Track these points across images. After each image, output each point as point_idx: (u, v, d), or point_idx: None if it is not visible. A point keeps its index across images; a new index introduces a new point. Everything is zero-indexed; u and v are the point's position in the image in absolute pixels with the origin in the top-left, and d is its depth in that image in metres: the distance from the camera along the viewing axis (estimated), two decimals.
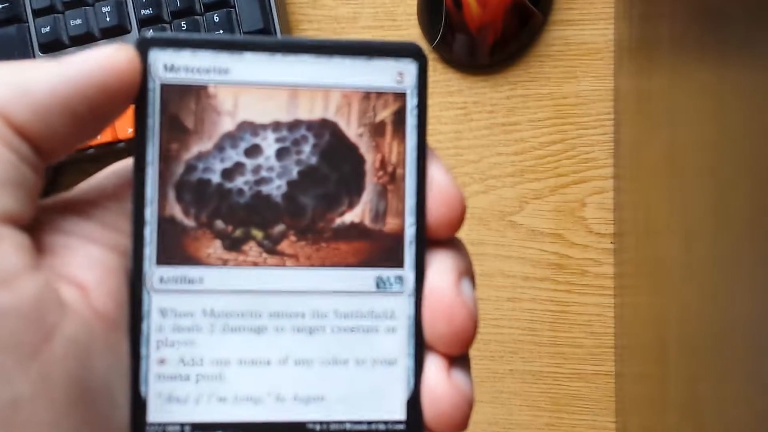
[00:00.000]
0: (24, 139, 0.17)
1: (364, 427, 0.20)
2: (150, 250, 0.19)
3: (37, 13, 0.44)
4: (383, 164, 0.20)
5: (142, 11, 0.43)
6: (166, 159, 0.19)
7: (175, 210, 0.19)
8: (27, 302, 0.16)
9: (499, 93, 0.45)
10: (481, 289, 0.45)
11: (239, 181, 0.20)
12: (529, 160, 0.45)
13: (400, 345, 0.20)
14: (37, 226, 0.18)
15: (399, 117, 0.20)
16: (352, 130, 0.20)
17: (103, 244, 0.19)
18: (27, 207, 0.17)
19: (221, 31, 0.43)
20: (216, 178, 0.20)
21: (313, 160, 0.20)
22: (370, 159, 0.20)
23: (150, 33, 0.19)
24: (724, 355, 0.26)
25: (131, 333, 0.19)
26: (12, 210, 0.17)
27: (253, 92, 0.20)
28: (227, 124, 0.20)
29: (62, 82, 0.17)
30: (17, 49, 0.44)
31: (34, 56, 0.44)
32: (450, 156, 0.46)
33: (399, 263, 0.20)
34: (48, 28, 0.44)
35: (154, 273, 0.19)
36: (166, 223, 0.19)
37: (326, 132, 0.20)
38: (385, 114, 0.20)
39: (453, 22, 0.44)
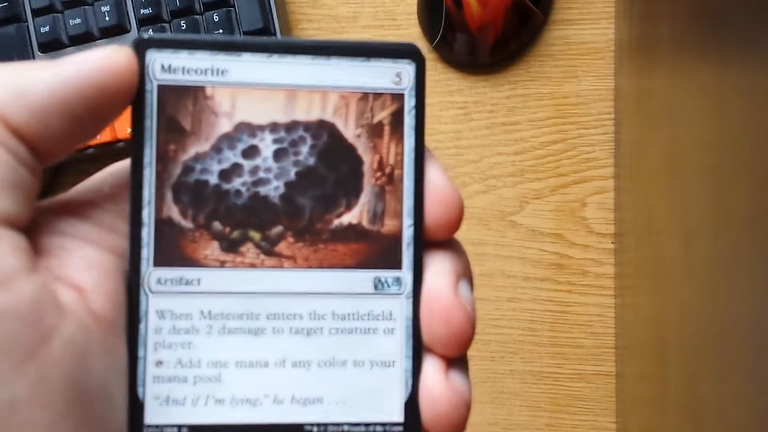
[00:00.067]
0: (21, 141, 0.17)
1: (362, 429, 0.20)
2: (147, 252, 0.19)
3: (36, 13, 0.44)
4: (381, 165, 0.20)
5: (142, 11, 0.43)
6: (164, 160, 0.19)
7: (173, 211, 0.19)
8: (24, 304, 0.16)
9: (500, 92, 0.45)
10: (481, 289, 0.45)
11: (237, 183, 0.20)
12: (530, 160, 0.45)
13: (398, 347, 0.20)
14: (35, 228, 0.18)
15: (397, 118, 0.20)
16: (350, 131, 0.20)
17: (101, 245, 0.19)
18: (24, 208, 0.17)
19: (221, 31, 0.43)
20: (213, 180, 0.19)
21: (311, 161, 0.20)
22: (368, 160, 0.20)
23: (147, 34, 0.19)
24: (725, 355, 0.26)
25: (128, 335, 0.19)
26: (9, 211, 0.17)
27: (251, 93, 0.20)
28: (225, 125, 0.20)
29: (59, 84, 0.17)
30: (16, 49, 0.44)
31: (33, 56, 0.44)
32: (450, 156, 0.46)
33: (397, 265, 0.20)
34: (47, 28, 0.44)
35: (152, 274, 0.19)
36: (163, 225, 0.19)
37: (324, 133, 0.20)
38: (382, 115, 0.20)
39: (453, 21, 0.44)
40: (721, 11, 0.26)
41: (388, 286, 0.20)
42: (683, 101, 0.31)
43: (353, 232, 0.20)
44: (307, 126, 0.20)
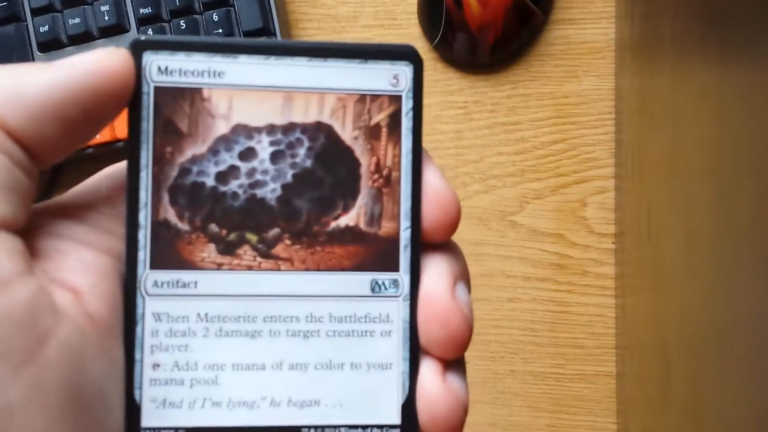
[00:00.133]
0: (17, 144, 0.17)
1: (359, 431, 0.20)
2: (144, 254, 0.19)
3: (35, 12, 0.44)
4: (378, 167, 0.20)
5: (141, 10, 0.43)
6: (160, 162, 0.19)
7: (169, 214, 0.19)
8: (20, 307, 0.16)
9: (500, 92, 0.45)
10: (481, 289, 0.45)
11: (233, 185, 0.20)
12: (530, 160, 0.45)
13: (395, 349, 0.20)
14: (31, 231, 0.18)
15: (394, 120, 0.20)
16: (347, 133, 0.20)
17: (97, 247, 0.19)
18: (20, 211, 0.17)
19: (220, 31, 0.43)
20: (210, 182, 0.19)
21: (308, 163, 0.20)
22: (365, 162, 0.20)
23: (143, 36, 0.19)
24: (726, 355, 0.26)
25: (125, 337, 0.19)
26: (5, 214, 0.17)
27: (248, 95, 0.20)
28: (222, 127, 0.19)
29: (55, 86, 0.17)
30: (16, 49, 0.44)
31: (32, 55, 0.44)
32: (450, 156, 0.45)
33: (394, 267, 0.20)
34: (46, 27, 0.44)
35: (148, 277, 0.19)
36: (160, 227, 0.19)
37: (321, 135, 0.20)
38: (380, 117, 0.20)
39: (453, 21, 0.43)
40: (723, 11, 0.26)
41: (385, 289, 0.20)
42: (684, 101, 0.31)
43: (350, 234, 0.20)
44: (304, 128, 0.20)
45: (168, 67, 0.19)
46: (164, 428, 0.19)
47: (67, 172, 0.46)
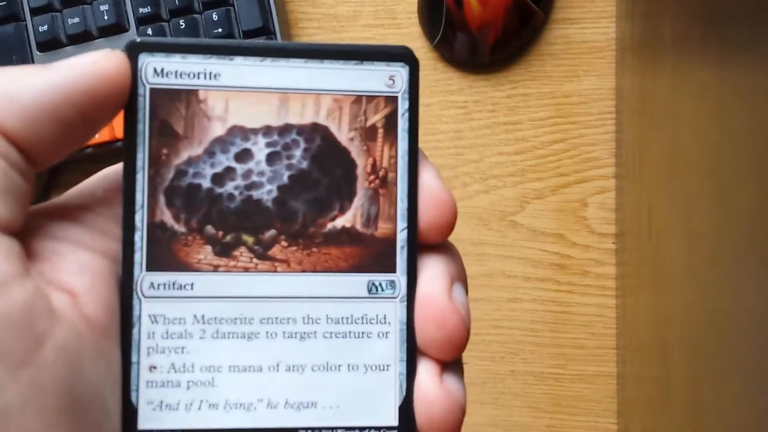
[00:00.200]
0: (13, 146, 0.17)
1: None
2: (140, 256, 0.19)
3: (34, 12, 0.44)
4: (374, 168, 0.20)
5: (141, 10, 0.43)
6: (157, 164, 0.19)
7: (166, 215, 0.19)
8: (17, 309, 0.16)
9: (500, 92, 0.45)
10: (481, 289, 0.45)
11: (230, 186, 0.19)
12: (531, 160, 0.45)
13: (392, 350, 0.20)
14: (27, 232, 0.18)
15: (390, 121, 0.20)
16: (343, 134, 0.20)
17: (94, 249, 0.19)
18: (17, 213, 0.17)
19: (220, 30, 0.43)
20: (206, 183, 0.19)
21: (304, 164, 0.20)
22: (362, 163, 0.20)
23: (139, 38, 0.19)
24: (726, 355, 0.25)
25: (122, 339, 0.19)
26: (1, 216, 0.17)
27: (244, 97, 0.19)
28: (218, 129, 0.19)
29: (52, 88, 0.17)
30: (15, 48, 0.44)
31: (31, 55, 0.44)
32: (451, 155, 0.45)
33: (391, 268, 0.20)
34: (46, 27, 0.44)
35: (144, 279, 0.19)
36: (156, 229, 0.19)
37: (317, 136, 0.20)
38: (376, 118, 0.20)
39: (454, 20, 0.43)
40: (723, 11, 0.26)
41: (382, 290, 0.20)
42: (685, 101, 0.31)
43: (347, 235, 0.20)
44: (301, 129, 0.20)
45: (164, 69, 0.19)
46: (161, 430, 0.19)
47: (66, 173, 0.46)
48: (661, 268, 0.35)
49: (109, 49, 0.19)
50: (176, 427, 0.19)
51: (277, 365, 0.20)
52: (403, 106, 0.20)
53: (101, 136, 0.43)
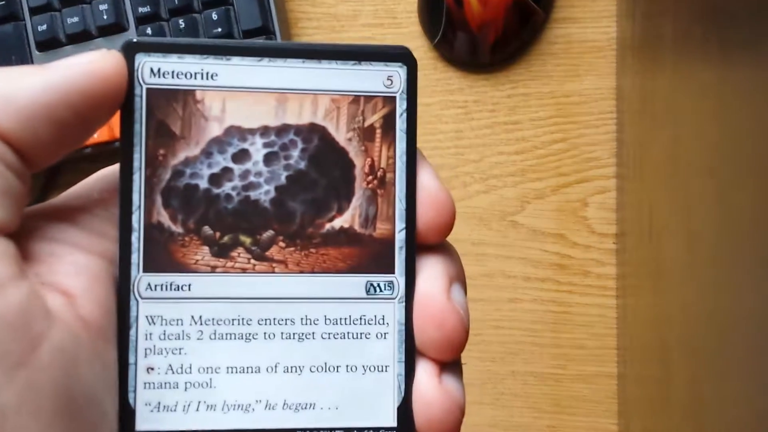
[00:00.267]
0: (9, 147, 0.17)
1: None
2: (137, 257, 0.19)
3: (34, 11, 0.44)
4: (373, 169, 0.20)
5: (140, 9, 0.43)
6: (153, 165, 0.19)
7: (163, 216, 0.19)
8: (13, 311, 0.16)
9: (501, 91, 0.45)
10: (481, 289, 0.45)
11: (227, 187, 0.19)
12: (531, 160, 0.45)
13: (390, 351, 0.20)
14: (24, 234, 0.18)
15: (388, 121, 0.20)
16: (341, 134, 0.20)
17: (90, 250, 0.19)
18: (12, 214, 0.17)
19: (219, 29, 0.43)
20: (203, 184, 0.19)
21: (302, 164, 0.20)
22: (360, 163, 0.20)
23: (136, 38, 0.19)
24: (727, 356, 0.25)
25: (119, 341, 0.19)
26: None
27: (241, 97, 0.19)
28: (215, 129, 0.19)
29: (48, 89, 0.17)
30: (14, 48, 0.44)
31: (30, 54, 0.44)
32: (451, 155, 0.45)
33: (389, 269, 0.20)
34: (45, 27, 0.43)
35: (141, 280, 0.19)
36: (153, 230, 0.19)
37: (315, 137, 0.20)
38: (374, 118, 0.20)
39: (454, 20, 0.43)
40: (724, 10, 0.26)
41: (381, 291, 0.20)
42: (686, 101, 0.31)
43: (345, 236, 0.20)
44: (298, 129, 0.20)
45: (160, 69, 0.19)
46: None
47: (65, 173, 0.46)
48: (662, 268, 0.35)
49: (106, 49, 0.18)
50: (174, 428, 0.19)
51: (276, 366, 0.19)
52: (401, 106, 0.20)
53: (100, 136, 0.43)
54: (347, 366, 0.20)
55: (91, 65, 0.18)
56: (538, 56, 0.45)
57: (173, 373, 0.19)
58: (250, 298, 0.19)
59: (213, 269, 0.19)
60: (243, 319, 0.19)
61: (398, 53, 0.20)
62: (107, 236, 0.19)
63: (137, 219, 0.19)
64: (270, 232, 0.20)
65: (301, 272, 0.20)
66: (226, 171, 0.19)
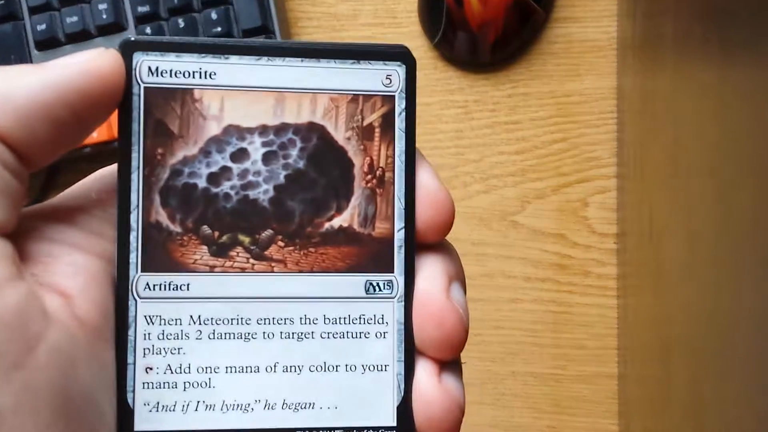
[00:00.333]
0: (6, 146, 0.17)
1: None
2: (135, 257, 0.19)
3: (33, 11, 0.44)
4: (372, 168, 0.20)
5: (139, 8, 0.43)
6: (152, 164, 0.19)
7: (161, 216, 0.19)
8: (9, 312, 0.16)
9: (501, 91, 0.45)
10: (482, 289, 0.45)
11: (226, 186, 0.19)
12: (531, 159, 0.45)
13: (390, 350, 0.20)
14: (21, 234, 0.18)
15: (387, 120, 0.20)
16: (340, 133, 0.20)
17: (88, 251, 0.19)
18: (9, 215, 0.17)
19: (219, 29, 0.43)
20: (202, 183, 0.19)
21: (301, 164, 0.20)
22: (359, 163, 0.20)
23: (133, 36, 0.19)
24: (727, 356, 0.25)
25: (117, 340, 0.19)
26: None
27: (240, 96, 0.19)
28: (213, 128, 0.19)
29: (45, 88, 0.17)
30: (13, 47, 0.44)
31: (30, 54, 0.44)
32: (451, 155, 0.45)
33: (388, 268, 0.20)
34: (44, 26, 0.43)
35: (140, 280, 0.19)
36: (151, 229, 0.19)
37: (314, 136, 0.20)
38: (373, 117, 0.20)
39: (454, 19, 0.43)
40: (725, 10, 0.26)
41: (380, 290, 0.20)
42: (686, 100, 0.31)
43: (344, 235, 0.20)
44: (297, 129, 0.20)
45: (158, 68, 0.19)
46: None
47: (64, 172, 0.46)
48: (662, 268, 0.35)
49: (103, 47, 0.18)
50: (173, 428, 0.19)
51: (275, 366, 0.19)
52: (400, 105, 0.20)
53: (99, 136, 0.43)
54: (346, 365, 0.20)
55: (89, 64, 0.18)
56: (539, 56, 0.45)
57: (172, 373, 0.19)
58: (248, 297, 0.19)
59: (212, 269, 0.19)
60: (242, 318, 0.19)
61: (397, 52, 0.20)
62: (105, 236, 0.19)
63: (135, 218, 0.19)
64: (269, 232, 0.20)
65: (300, 272, 0.20)
66: (225, 170, 0.19)
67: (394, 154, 0.20)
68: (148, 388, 0.19)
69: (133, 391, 0.19)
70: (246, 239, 0.19)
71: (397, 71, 0.20)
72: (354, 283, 0.20)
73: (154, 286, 0.19)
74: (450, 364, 0.20)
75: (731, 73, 0.25)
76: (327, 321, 0.20)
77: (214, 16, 0.43)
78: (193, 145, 0.19)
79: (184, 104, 0.19)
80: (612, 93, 0.44)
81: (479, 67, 0.45)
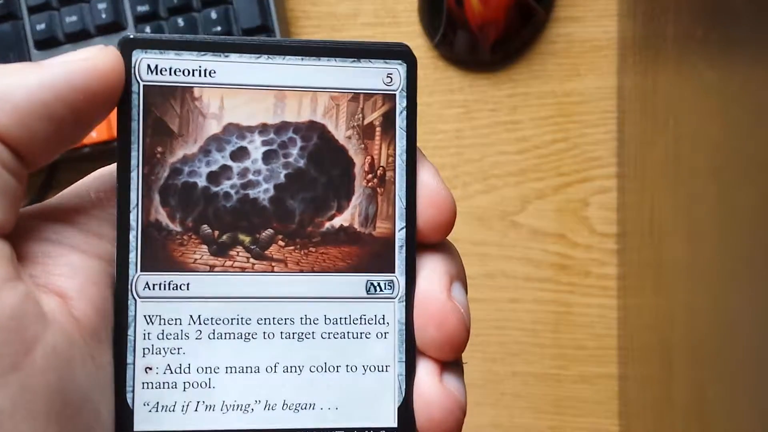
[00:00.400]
0: (4, 145, 0.17)
1: None
2: (135, 256, 0.19)
3: (32, 10, 0.44)
4: (372, 167, 0.20)
5: (138, 8, 0.43)
6: (151, 162, 0.19)
7: (160, 215, 0.19)
8: (7, 314, 0.16)
9: (501, 91, 0.45)
10: (482, 290, 0.45)
11: (226, 185, 0.19)
12: (532, 159, 0.45)
13: (391, 351, 0.20)
14: (19, 235, 0.18)
15: (388, 119, 0.20)
16: (341, 132, 0.20)
17: (86, 251, 0.19)
18: (8, 215, 0.17)
19: (218, 28, 0.43)
20: (202, 182, 0.19)
21: (301, 163, 0.20)
22: (359, 162, 0.20)
23: (132, 34, 0.19)
24: (729, 356, 0.25)
25: (116, 340, 0.19)
26: None
27: (240, 94, 0.19)
28: (213, 127, 0.19)
29: (44, 86, 0.17)
30: (12, 47, 0.44)
31: (29, 53, 0.44)
32: (451, 155, 0.45)
33: (389, 268, 0.20)
34: (43, 25, 0.43)
35: (139, 279, 0.19)
36: (150, 229, 0.19)
37: (314, 134, 0.20)
38: (374, 116, 0.20)
39: (454, 19, 0.43)
40: (726, 9, 0.26)
41: (381, 290, 0.20)
42: (687, 100, 0.30)
43: (345, 235, 0.20)
44: (297, 127, 0.20)
45: (158, 66, 0.19)
46: None
47: (64, 172, 0.46)
48: (663, 268, 0.34)
49: (102, 45, 0.18)
50: (173, 428, 0.19)
51: (275, 366, 0.19)
52: (401, 103, 0.20)
53: (99, 135, 0.43)
54: (347, 366, 0.20)
55: (88, 62, 0.18)
56: (539, 55, 0.45)
57: (172, 373, 0.19)
58: (249, 297, 0.19)
59: (212, 268, 0.19)
60: (242, 318, 0.19)
61: (398, 50, 0.20)
62: (104, 237, 0.19)
63: (135, 217, 0.19)
64: (269, 231, 0.19)
65: (301, 271, 0.20)
66: (225, 169, 0.19)
67: (395, 153, 0.20)
68: (147, 388, 0.19)
69: (133, 391, 0.19)
70: (246, 239, 0.19)
71: (397, 70, 0.20)
72: (355, 283, 0.20)
73: (153, 285, 0.19)
74: (451, 364, 0.20)
75: (732, 72, 0.25)
76: (328, 321, 0.20)
77: (213, 15, 0.43)
78: (193, 143, 0.19)
79: (184, 102, 0.19)
80: (612, 93, 0.44)
81: (479, 67, 0.45)
